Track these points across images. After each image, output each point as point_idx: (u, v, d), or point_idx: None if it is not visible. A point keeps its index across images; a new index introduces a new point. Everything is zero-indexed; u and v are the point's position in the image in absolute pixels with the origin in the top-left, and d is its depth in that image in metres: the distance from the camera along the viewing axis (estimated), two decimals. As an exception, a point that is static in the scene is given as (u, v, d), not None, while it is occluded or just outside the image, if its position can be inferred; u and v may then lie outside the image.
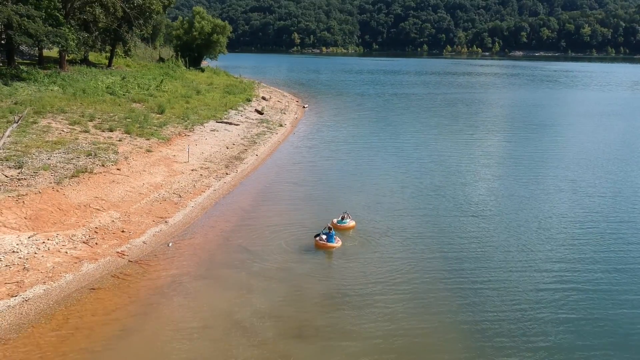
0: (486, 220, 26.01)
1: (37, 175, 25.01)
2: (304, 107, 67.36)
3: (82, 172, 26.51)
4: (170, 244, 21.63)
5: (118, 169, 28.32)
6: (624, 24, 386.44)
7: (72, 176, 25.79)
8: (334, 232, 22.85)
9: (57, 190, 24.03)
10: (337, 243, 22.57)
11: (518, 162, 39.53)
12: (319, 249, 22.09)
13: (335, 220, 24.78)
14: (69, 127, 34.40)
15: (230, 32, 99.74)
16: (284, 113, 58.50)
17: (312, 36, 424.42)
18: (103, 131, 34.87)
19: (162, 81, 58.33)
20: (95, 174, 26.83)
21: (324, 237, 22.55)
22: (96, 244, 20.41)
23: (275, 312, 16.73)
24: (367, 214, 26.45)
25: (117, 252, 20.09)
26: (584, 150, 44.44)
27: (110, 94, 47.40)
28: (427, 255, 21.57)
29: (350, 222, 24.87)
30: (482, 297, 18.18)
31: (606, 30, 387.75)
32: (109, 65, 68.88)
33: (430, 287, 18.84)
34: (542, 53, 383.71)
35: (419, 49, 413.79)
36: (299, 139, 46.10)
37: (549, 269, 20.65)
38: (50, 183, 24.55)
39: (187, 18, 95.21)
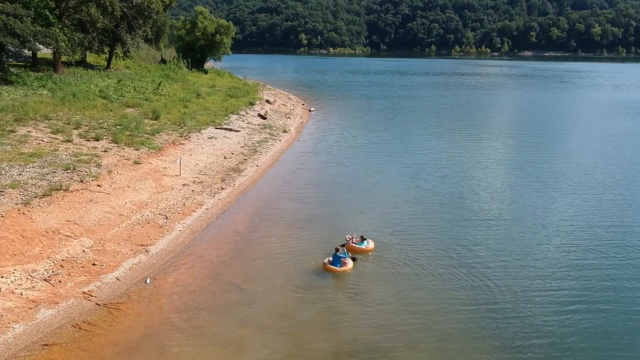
0: (518, 240, 22.70)
1: (3, 195, 21.76)
2: (310, 110, 64.00)
3: (56, 189, 23.25)
4: (148, 281, 18.26)
5: (98, 185, 25.05)
6: (634, 24, 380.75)
7: (44, 195, 22.53)
8: (341, 254, 19.88)
9: (23, 213, 20.78)
10: (344, 267, 19.67)
11: (536, 169, 36.40)
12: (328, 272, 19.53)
13: (353, 241, 21.63)
14: (51, 136, 31.18)
15: (236, 33, 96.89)
16: (289, 117, 55.13)
17: (319, 37, 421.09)
18: (88, 140, 31.62)
19: (160, 84, 55.08)
20: (71, 191, 23.56)
21: (334, 259, 19.86)
22: (59, 281, 17.09)
23: (271, 379, 13.37)
24: (383, 236, 23.10)
25: (84, 293, 16.77)
26: (604, 155, 41.56)
27: (103, 98, 44.18)
28: (456, 292, 18.13)
29: (369, 245, 21.82)
30: (524, 343, 14.84)
31: (617, 30, 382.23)
32: (107, 67, 65.86)
33: (464, 338, 15.39)
34: (551, 53, 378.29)
35: (427, 50, 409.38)
36: (304, 147, 42.74)
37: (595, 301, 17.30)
38: (17, 204, 21.31)
39: (189, 18, 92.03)
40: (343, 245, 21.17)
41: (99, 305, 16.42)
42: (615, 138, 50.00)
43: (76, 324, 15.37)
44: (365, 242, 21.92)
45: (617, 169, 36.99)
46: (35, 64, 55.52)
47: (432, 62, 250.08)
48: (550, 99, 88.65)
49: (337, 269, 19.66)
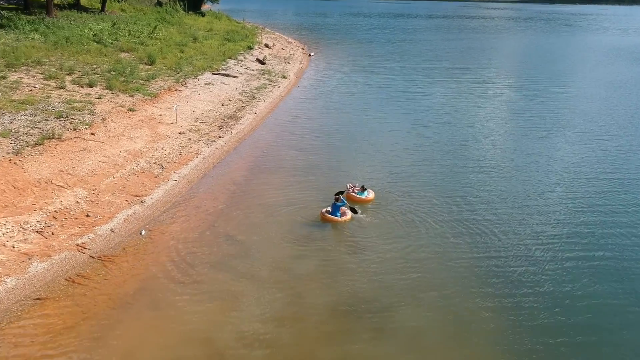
0: (521, 190, 22.37)
1: (-7, 144, 21.24)
2: (309, 55, 62.56)
3: (48, 138, 22.65)
4: (143, 232, 17.90)
5: (92, 134, 24.43)
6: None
7: (36, 144, 21.96)
8: (341, 203, 19.49)
9: (15, 163, 20.27)
10: (344, 217, 19.36)
11: (540, 116, 35.93)
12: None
13: (353, 191, 21.23)
14: (43, 82, 30.32)
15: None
16: (288, 62, 53.85)
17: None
18: (81, 87, 30.80)
19: (155, 27, 53.50)
20: (64, 140, 22.96)
21: (333, 208, 19.47)
22: (52, 234, 16.73)
23: (267, 336, 13.02)
24: (384, 185, 22.71)
25: (77, 245, 16.43)
26: (608, 101, 41.09)
27: (97, 42, 42.95)
28: (457, 243, 17.82)
29: (370, 195, 21.40)
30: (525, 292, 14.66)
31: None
32: (102, 10, 63.90)
33: (465, 291, 15.12)
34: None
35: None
36: (303, 93, 41.82)
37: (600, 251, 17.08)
38: (8, 153, 20.76)
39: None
40: (342, 193, 20.80)
41: (93, 258, 16.11)
42: (621, 84, 49.02)
43: (69, 278, 15.07)
44: (365, 192, 21.49)
45: (623, 116, 36.30)
46: (27, 7, 53.92)
47: (435, 5, 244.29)
48: (555, 43, 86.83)
49: (337, 218, 19.32)
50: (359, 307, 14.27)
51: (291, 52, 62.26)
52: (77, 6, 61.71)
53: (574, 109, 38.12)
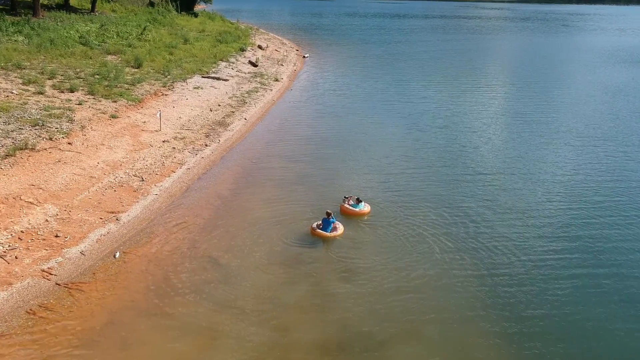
0: (525, 200, 21.21)
1: (-40, 156, 19.76)
2: (304, 56, 61.10)
3: (21, 149, 21.19)
4: (117, 255, 16.36)
5: (69, 143, 22.94)
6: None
7: (6, 155, 20.52)
8: (332, 219, 18.24)
9: (-18, 177, 18.81)
10: (335, 232, 18.12)
11: (541, 120, 34.75)
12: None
13: (348, 203, 20.00)
14: (21, 87, 28.82)
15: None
16: (281, 65, 52.34)
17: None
18: (62, 92, 29.30)
19: (144, 29, 51.90)
20: (38, 151, 21.48)
21: (324, 223, 18.28)
22: (16, 257, 15.23)
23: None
24: (379, 197, 21.42)
25: (42, 271, 14.92)
26: (610, 104, 40.07)
27: (83, 44, 41.45)
28: (459, 263, 16.46)
29: (365, 208, 20.07)
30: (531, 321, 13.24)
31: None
32: (92, 10, 62.35)
33: (468, 321, 13.73)
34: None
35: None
36: (296, 97, 40.37)
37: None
38: (-25, 166, 19.33)
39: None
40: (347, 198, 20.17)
41: (59, 285, 14.57)
42: (623, 86, 47.74)
43: (31, 309, 13.55)
44: (361, 204, 20.12)
45: (628, 120, 34.98)
46: (13, 7, 52.37)
47: (432, 5, 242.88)
48: (553, 44, 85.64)
49: (327, 234, 17.98)
50: (352, 343, 12.80)
51: (285, 53, 60.79)
52: (66, 6, 60.19)
53: (576, 113, 36.87)
